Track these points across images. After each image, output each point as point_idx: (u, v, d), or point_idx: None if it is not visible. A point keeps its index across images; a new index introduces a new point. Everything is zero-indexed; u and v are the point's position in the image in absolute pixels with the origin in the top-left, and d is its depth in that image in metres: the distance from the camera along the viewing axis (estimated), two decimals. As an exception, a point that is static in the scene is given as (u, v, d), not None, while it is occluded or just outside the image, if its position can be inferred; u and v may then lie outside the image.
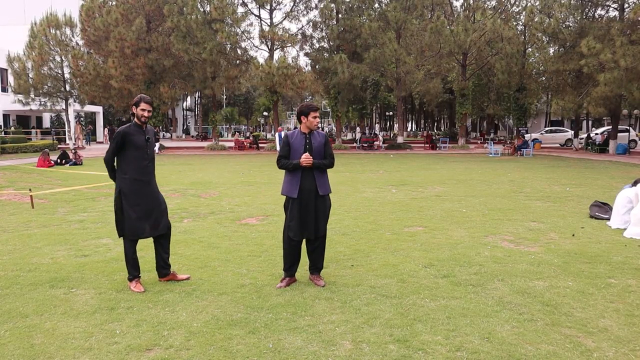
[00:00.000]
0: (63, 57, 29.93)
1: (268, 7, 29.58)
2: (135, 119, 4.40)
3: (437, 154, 27.07)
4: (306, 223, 4.45)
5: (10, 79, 31.18)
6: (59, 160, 18.53)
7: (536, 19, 26.85)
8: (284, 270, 4.61)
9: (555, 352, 3.20)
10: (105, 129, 43.37)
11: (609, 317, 3.78)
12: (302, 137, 4.48)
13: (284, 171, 4.60)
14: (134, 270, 4.46)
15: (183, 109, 71.52)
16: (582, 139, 30.99)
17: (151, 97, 26.32)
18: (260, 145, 33.67)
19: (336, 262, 5.28)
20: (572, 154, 25.31)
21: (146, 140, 4.42)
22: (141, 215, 4.39)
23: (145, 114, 4.39)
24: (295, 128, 4.68)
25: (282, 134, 21.87)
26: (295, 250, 4.54)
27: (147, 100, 4.43)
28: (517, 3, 32.31)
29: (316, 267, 4.64)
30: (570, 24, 26.64)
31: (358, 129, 40.89)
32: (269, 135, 55.36)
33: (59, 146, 29.49)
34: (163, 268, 4.63)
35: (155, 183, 4.60)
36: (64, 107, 31.48)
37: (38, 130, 35.53)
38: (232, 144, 33.88)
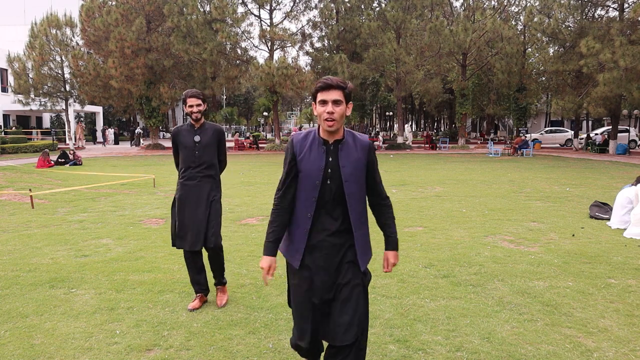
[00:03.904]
0: (63, 57, 29.95)
1: (268, 7, 29.59)
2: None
3: (437, 154, 27.07)
4: (319, 320, 2.46)
5: (10, 79, 31.19)
6: (59, 160, 18.53)
7: (536, 19, 26.86)
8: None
9: (555, 352, 3.21)
10: (104, 129, 43.36)
11: (609, 317, 3.78)
12: (319, 150, 2.38)
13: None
14: (192, 284, 4.07)
15: (183, 110, 71.50)
16: (582, 139, 31.00)
17: (151, 97, 25.66)
18: (260, 145, 33.70)
19: (336, 262, 5.27)
20: (572, 154, 25.31)
21: (194, 141, 3.87)
22: (182, 224, 3.90)
23: (194, 109, 3.84)
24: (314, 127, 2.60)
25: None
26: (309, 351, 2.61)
27: (192, 94, 3.83)
28: (516, 3, 32.33)
29: None
30: (570, 24, 26.65)
31: (407, 127, 37.54)
32: (269, 136, 55.35)
33: (59, 146, 29.50)
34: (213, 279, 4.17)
35: (208, 192, 3.92)
36: (64, 108, 31.50)
37: (38, 130, 35.55)
38: (231, 144, 33.90)
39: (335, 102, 2.30)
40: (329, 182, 2.36)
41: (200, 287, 4.04)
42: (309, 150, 2.39)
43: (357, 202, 2.42)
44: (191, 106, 3.83)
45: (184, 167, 3.91)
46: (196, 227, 3.85)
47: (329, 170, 2.36)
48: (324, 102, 2.31)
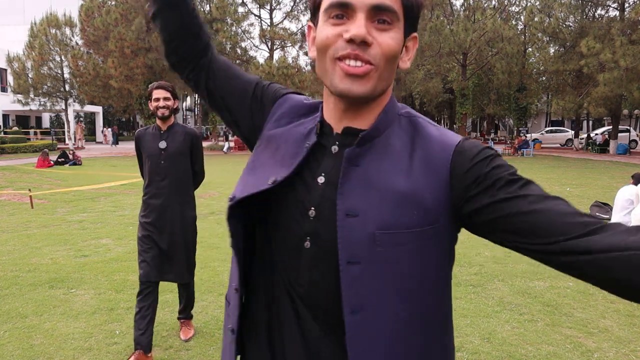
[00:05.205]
0: (63, 57, 29.95)
1: (268, 7, 29.61)
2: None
3: (437, 154, 27.03)
4: None
5: (10, 79, 31.20)
6: (59, 160, 18.52)
7: (536, 19, 26.89)
8: None
9: (555, 352, 3.20)
10: (105, 128, 43.40)
11: (609, 317, 3.78)
12: (322, 152, 0.87)
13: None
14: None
15: (183, 109, 71.54)
16: (582, 139, 31.00)
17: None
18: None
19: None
20: (573, 154, 25.30)
21: (159, 148, 3.10)
22: (147, 250, 3.12)
23: (160, 103, 3.04)
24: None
25: None
26: None
27: (159, 85, 3.07)
28: (517, 3, 32.34)
29: None
30: (570, 24, 26.66)
31: None
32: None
33: (59, 146, 29.51)
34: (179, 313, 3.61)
35: (179, 213, 3.16)
36: (63, 107, 31.50)
37: (37, 130, 35.56)
38: (232, 144, 33.91)
39: (377, 12, 0.78)
40: (307, 243, 0.87)
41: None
42: (289, 144, 0.95)
43: (414, 330, 0.86)
44: (157, 99, 3.03)
45: (148, 179, 3.14)
46: (172, 252, 3.15)
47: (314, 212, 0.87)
48: (341, 10, 0.79)
